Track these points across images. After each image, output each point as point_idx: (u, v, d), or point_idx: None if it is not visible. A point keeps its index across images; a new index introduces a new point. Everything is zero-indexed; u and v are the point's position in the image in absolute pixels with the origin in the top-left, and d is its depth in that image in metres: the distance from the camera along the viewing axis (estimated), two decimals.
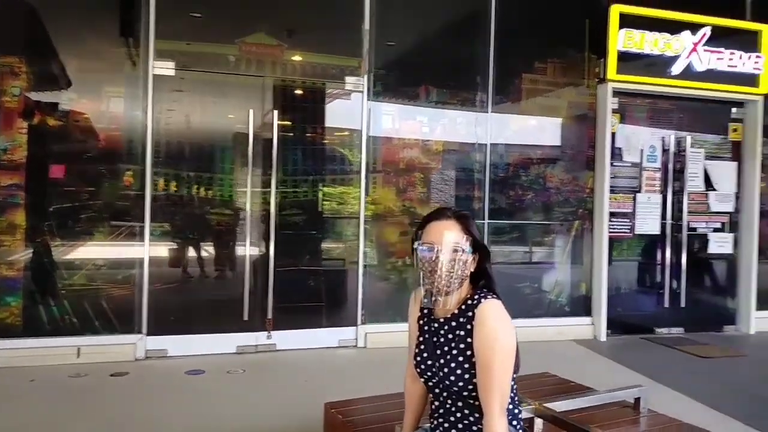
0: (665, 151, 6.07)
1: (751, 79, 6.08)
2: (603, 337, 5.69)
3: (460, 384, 1.64)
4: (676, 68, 5.84)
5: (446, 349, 1.69)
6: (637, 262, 6.21)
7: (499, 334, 1.60)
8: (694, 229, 6.16)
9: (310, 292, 5.17)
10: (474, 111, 5.57)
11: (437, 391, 1.74)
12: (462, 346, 1.65)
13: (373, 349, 5.10)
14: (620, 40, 5.62)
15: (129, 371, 4.33)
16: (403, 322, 5.57)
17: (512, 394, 1.68)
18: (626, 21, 5.63)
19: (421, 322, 1.81)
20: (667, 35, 5.76)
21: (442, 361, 1.68)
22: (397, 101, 5.40)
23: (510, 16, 5.52)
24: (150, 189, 4.68)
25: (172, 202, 4.89)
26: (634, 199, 5.95)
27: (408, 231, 5.42)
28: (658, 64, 5.81)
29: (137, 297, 4.68)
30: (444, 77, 5.51)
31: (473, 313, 1.64)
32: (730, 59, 5.97)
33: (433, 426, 1.78)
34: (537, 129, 5.86)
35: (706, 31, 5.85)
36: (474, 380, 1.62)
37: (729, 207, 6.30)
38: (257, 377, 4.36)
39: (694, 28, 5.83)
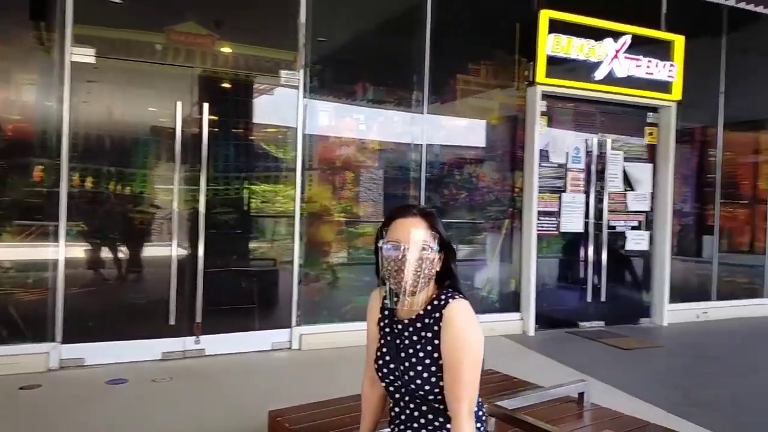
0: (588, 152, 6.34)
1: (665, 86, 6.46)
2: (532, 332, 5.86)
3: (426, 388, 1.59)
4: (600, 73, 6.11)
5: (411, 351, 1.63)
6: (561, 259, 6.44)
7: (468, 335, 1.56)
8: (614, 227, 6.49)
9: (241, 293, 4.97)
10: (410, 111, 5.55)
11: (398, 396, 1.68)
12: (429, 348, 1.60)
13: (309, 351, 4.98)
14: (549, 44, 5.81)
15: (41, 383, 3.97)
16: (340, 322, 5.48)
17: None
18: (555, 26, 5.82)
19: (382, 323, 1.74)
20: (591, 41, 6.01)
21: (407, 364, 1.63)
22: (333, 98, 5.29)
23: (445, 18, 5.56)
24: (66, 185, 4.31)
25: (91, 199, 4.53)
26: (560, 198, 6.17)
27: (344, 230, 5.34)
28: (583, 69, 6.05)
29: (51, 302, 4.30)
30: (381, 75, 5.47)
31: (440, 314, 1.59)
32: (648, 67, 6.32)
33: None
34: (470, 130, 5.93)
35: (627, 39, 6.16)
36: (440, 383, 1.58)
37: (645, 206, 6.68)
38: (186, 384, 4.13)
39: (616, 35, 6.12)
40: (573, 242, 6.41)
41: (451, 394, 1.55)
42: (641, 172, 6.67)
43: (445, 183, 5.74)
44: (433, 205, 5.64)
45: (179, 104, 4.63)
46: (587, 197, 6.32)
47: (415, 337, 1.64)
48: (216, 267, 4.83)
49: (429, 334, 1.61)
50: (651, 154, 6.74)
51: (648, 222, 6.68)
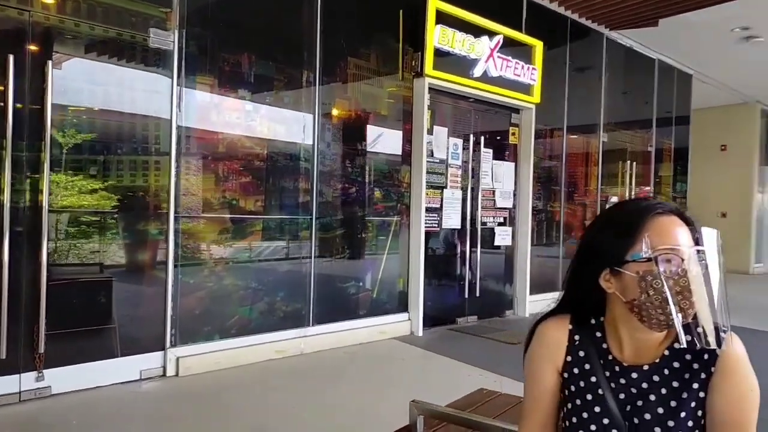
0: (465, 149, 6.35)
1: (527, 89, 6.76)
2: (420, 332, 5.65)
3: None
4: (477, 71, 6.13)
5: (660, 411, 1.16)
6: (442, 256, 6.32)
7: (754, 383, 1.15)
8: (485, 223, 6.61)
9: (98, 310, 3.87)
10: (301, 110, 4.91)
11: None
12: (692, 404, 1.14)
13: (189, 377, 4.08)
14: (436, 35, 5.63)
15: None
16: (222, 338, 4.62)
17: None
18: (440, 18, 5.66)
19: (575, 371, 1.25)
20: (471, 37, 5.99)
21: (657, 430, 1.15)
22: (211, 71, 4.39)
23: None
24: None
25: None
26: (442, 194, 6.07)
27: (229, 228, 4.50)
28: (463, 65, 6.00)
29: None
30: (268, 48, 4.73)
31: (712, 355, 1.14)
32: (516, 68, 6.53)
33: None
34: (359, 119, 5.45)
35: (500, 39, 6.28)
36: None
37: (509, 203, 6.93)
38: None
39: (491, 34, 6.19)
40: (452, 238, 6.36)
41: None
42: (505, 170, 6.90)
43: (337, 176, 5.20)
44: (325, 200, 5.10)
45: (11, 59, 3.42)
46: (464, 193, 6.33)
47: (663, 391, 1.16)
48: (65, 278, 3.69)
49: (694, 385, 1.15)
50: (514, 154, 7.02)
51: (511, 218, 6.95)
